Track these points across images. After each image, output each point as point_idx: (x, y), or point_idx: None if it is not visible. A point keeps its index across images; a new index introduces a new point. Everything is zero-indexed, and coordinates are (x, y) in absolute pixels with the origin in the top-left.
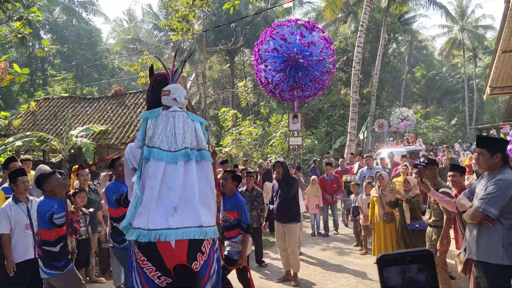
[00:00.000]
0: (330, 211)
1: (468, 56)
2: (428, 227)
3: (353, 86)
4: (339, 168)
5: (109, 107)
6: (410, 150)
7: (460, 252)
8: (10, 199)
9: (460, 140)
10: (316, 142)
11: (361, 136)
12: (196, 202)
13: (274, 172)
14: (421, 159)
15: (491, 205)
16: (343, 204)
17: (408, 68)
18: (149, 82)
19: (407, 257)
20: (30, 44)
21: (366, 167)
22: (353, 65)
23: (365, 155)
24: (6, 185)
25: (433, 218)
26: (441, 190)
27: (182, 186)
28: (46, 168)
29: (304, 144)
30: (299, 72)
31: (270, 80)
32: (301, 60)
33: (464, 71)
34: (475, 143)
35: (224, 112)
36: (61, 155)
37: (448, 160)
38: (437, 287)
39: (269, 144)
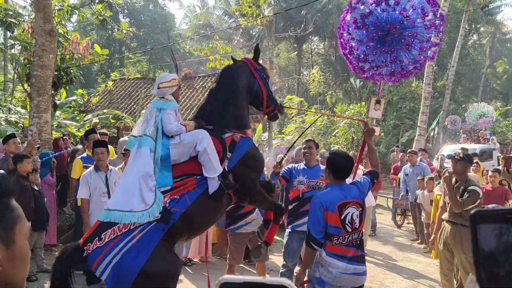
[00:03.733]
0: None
1: None
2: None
3: (426, 78)
4: (398, 164)
5: None
6: (483, 149)
7: None
8: (91, 167)
9: None
10: (383, 134)
11: (432, 132)
12: (123, 187)
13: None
14: (456, 152)
15: None
16: (393, 203)
17: (489, 62)
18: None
19: (508, 214)
20: (110, 26)
21: (409, 164)
22: None
23: (409, 150)
24: (84, 154)
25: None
26: (470, 188)
27: (126, 172)
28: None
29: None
30: (396, 45)
31: (357, 53)
32: (400, 30)
33: None
34: None
35: (289, 99)
36: None
37: None
38: None
39: (333, 134)
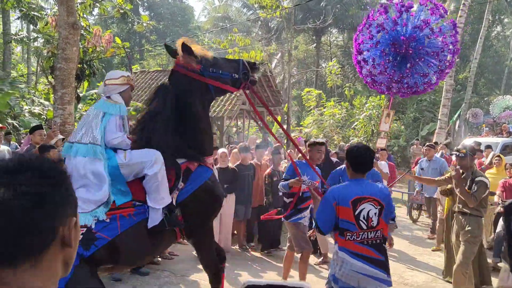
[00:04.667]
0: None
1: None
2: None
3: None
4: (421, 157)
5: None
6: (506, 143)
7: None
8: None
9: None
10: (403, 127)
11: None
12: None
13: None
14: (459, 149)
15: None
16: (408, 198)
17: None
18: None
19: None
20: (130, 20)
21: (425, 158)
22: None
23: (427, 143)
24: None
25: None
26: (477, 179)
27: None
28: None
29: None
30: (408, 62)
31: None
32: (415, 47)
33: None
34: None
35: (307, 92)
36: None
37: None
38: None
39: (352, 127)
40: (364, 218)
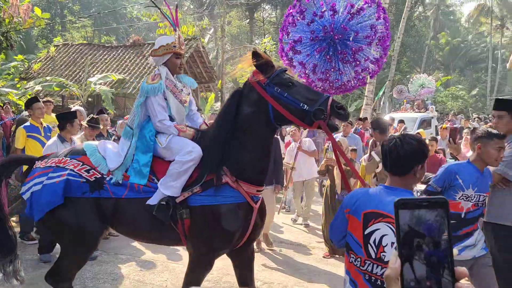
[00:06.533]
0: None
1: (495, 25)
2: None
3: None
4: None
5: (127, 57)
6: (423, 118)
7: None
8: (55, 138)
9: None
10: None
11: (380, 101)
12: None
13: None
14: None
15: (510, 168)
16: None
17: (433, 34)
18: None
19: (423, 202)
20: None
21: (341, 134)
22: None
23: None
24: (28, 123)
25: None
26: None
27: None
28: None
29: None
30: (337, 55)
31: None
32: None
33: (490, 40)
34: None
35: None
36: (79, 101)
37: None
38: (444, 229)
39: None
40: (374, 243)
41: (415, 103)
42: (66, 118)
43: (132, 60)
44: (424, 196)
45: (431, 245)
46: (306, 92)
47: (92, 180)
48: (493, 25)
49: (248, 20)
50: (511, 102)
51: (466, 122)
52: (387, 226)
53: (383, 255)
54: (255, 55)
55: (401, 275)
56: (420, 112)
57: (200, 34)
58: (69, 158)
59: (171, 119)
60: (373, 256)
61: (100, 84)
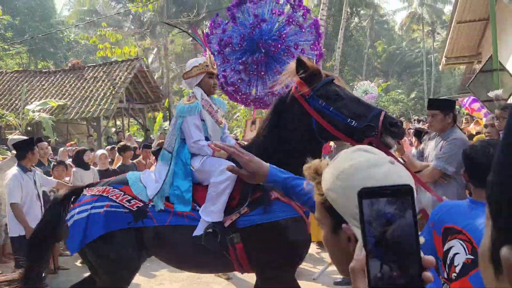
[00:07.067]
0: None
1: (426, 31)
2: None
3: None
4: None
5: (67, 81)
6: None
7: None
8: (15, 168)
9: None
10: None
11: None
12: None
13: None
14: None
15: (449, 163)
16: None
17: (370, 43)
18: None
19: (387, 190)
20: None
21: None
22: None
23: None
24: None
25: None
26: None
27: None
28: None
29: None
30: (263, 66)
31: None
32: (271, 48)
33: (423, 45)
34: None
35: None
36: (17, 131)
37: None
38: (411, 222)
39: (234, 118)
40: (449, 260)
41: None
42: (25, 147)
43: (73, 85)
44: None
45: (396, 234)
46: (354, 105)
47: (134, 209)
48: (424, 31)
49: (191, 38)
50: (442, 101)
51: (408, 124)
52: (460, 243)
53: (453, 275)
54: (300, 63)
55: (367, 266)
56: None
57: (143, 54)
58: (112, 187)
59: (207, 139)
60: (445, 276)
61: (39, 111)
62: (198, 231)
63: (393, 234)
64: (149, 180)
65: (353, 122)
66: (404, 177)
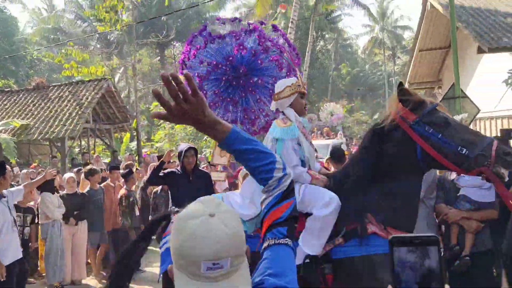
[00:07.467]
0: None
1: (388, 55)
2: None
3: None
4: None
5: (30, 101)
6: (334, 144)
7: None
8: None
9: None
10: None
11: None
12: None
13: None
14: None
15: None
16: None
17: (335, 65)
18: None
19: (416, 240)
20: None
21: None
22: None
23: None
24: None
25: None
26: None
27: None
28: None
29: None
30: (243, 93)
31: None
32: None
33: (384, 68)
34: None
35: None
36: None
37: None
38: (438, 272)
39: (204, 138)
40: None
41: (324, 130)
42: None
43: (37, 104)
44: (417, 234)
45: (425, 281)
46: (464, 133)
47: None
48: (385, 55)
49: (159, 57)
50: None
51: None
52: None
53: None
54: (402, 91)
55: None
56: (330, 138)
57: (110, 73)
58: None
59: (303, 163)
60: None
61: (1, 131)
62: (298, 260)
63: (423, 279)
64: (234, 202)
65: (464, 150)
66: (213, 231)
